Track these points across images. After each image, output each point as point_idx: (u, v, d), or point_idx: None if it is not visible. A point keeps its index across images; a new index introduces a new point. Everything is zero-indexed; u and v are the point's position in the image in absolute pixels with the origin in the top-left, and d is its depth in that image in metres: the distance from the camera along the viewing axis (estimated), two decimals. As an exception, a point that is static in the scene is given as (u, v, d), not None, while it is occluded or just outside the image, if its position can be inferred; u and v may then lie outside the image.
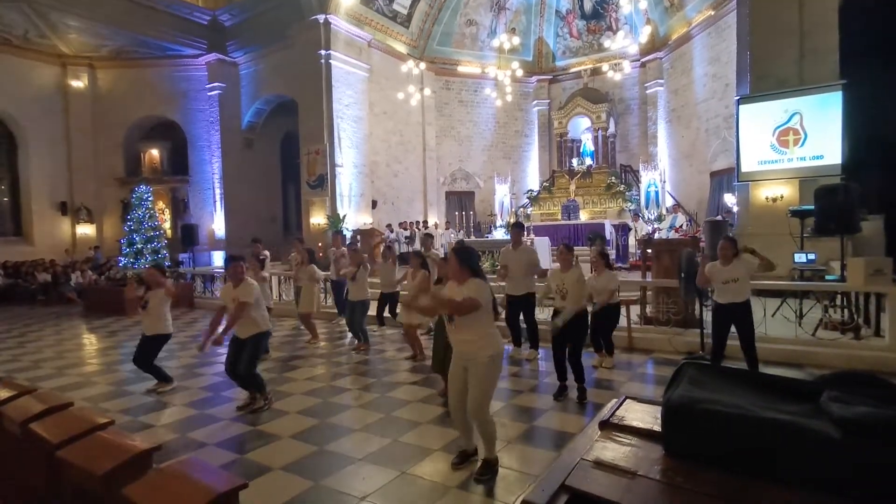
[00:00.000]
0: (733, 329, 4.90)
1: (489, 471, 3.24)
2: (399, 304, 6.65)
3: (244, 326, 4.66)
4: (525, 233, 6.43)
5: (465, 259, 3.28)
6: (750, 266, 4.79)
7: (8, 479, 2.88)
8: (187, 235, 15.70)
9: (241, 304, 4.57)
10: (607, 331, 5.77)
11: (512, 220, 16.76)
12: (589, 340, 5.56)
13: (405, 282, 6.85)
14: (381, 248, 9.01)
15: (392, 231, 15.38)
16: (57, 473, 2.30)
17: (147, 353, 5.35)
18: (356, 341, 7.03)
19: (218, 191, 18.28)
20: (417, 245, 14.64)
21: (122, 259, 14.03)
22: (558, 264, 5.14)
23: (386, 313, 7.92)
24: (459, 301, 3.09)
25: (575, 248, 5.38)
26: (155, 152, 19.14)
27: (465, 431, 3.42)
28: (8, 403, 2.88)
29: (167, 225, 18.45)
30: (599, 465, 1.20)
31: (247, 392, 4.79)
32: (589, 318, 5.10)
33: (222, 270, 9.72)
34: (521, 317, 6.26)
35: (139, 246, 13.57)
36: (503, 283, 6.23)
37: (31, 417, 2.63)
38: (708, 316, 6.02)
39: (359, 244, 12.49)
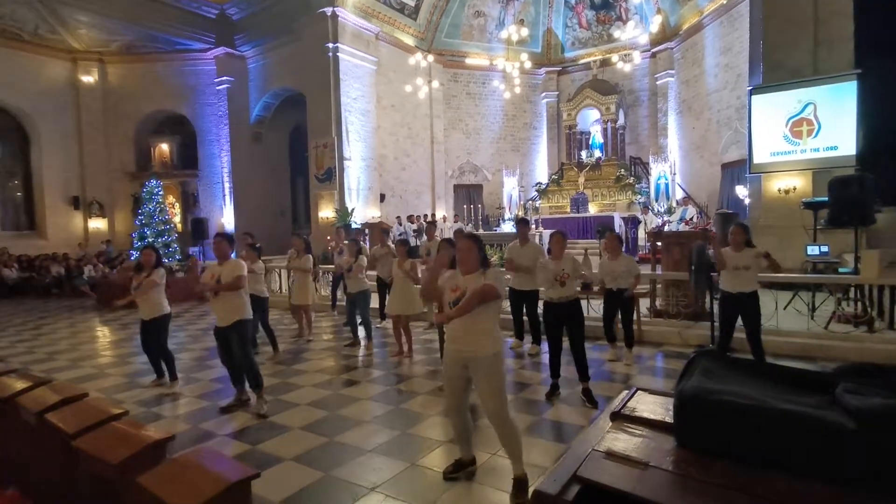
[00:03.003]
0: (740, 321, 4.83)
1: (524, 489, 2.83)
2: (388, 297, 6.49)
3: (225, 313, 4.45)
4: (529, 228, 6.32)
5: (478, 246, 3.02)
6: (757, 258, 4.69)
7: (26, 467, 2.93)
8: (197, 229, 15.83)
9: (238, 278, 4.39)
10: (626, 319, 5.66)
11: (520, 214, 16.74)
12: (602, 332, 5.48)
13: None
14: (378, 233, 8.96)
15: (400, 224, 15.40)
16: (73, 462, 2.34)
17: (155, 338, 5.18)
18: (352, 337, 6.91)
19: (227, 185, 18.39)
20: (425, 238, 14.66)
21: (134, 253, 14.15)
22: (550, 254, 4.92)
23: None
24: (481, 288, 2.82)
25: (584, 240, 5.30)
26: (165, 147, 19.28)
27: (464, 439, 3.15)
28: (24, 394, 2.93)
29: (177, 219, 18.60)
30: (611, 455, 1.20)
31: (235, 390, 4.64)
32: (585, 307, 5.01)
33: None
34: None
35: (150, 240, 13.68)
36: (508, 276, 6.20)
37: (46, 408, 2.68)
38: (718, 309, 5.98)
39: (367, 237, 12.53)
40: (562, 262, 4.63)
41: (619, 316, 5.74)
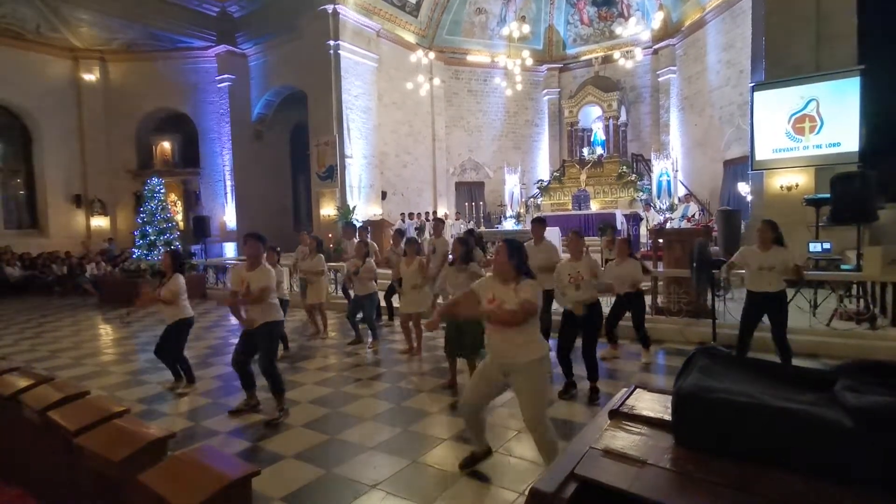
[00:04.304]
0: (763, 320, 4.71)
1: None
2: (400, 294, 6.40)
3: (255, 317, 4.24)
4: (545, 227, 6.11)
5: (516, 254, 2.89)
6: (786, 261, 4.51)
7: (28, 465, 2.95)
8: (199, 227, 15.85)
9: (264, 290, 4.17)
10: (637, 320, 5.59)
11: (522, 211, 16.75)
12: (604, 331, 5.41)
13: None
14: (392, 234, 8.87)
15: (403, 221, 15.39)
16: (75, 460, 2.35)
17: (174, 341, 5.08)
18: (355, 335, 6.86)
19: (229, 183, 18.40)
20: (427, 235, 14.66)
21: (136, 251, 14.20)
22: (568, 254, 4.84)
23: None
24: (518, 308, 2.73)
25: (585, 238, 5.18)
26: (166, 145, 19.29)
27: (477, 431, 3.16)
28: (27, 392, 2.94)
29: (179, 217, 18.61)
30: (609, 453, 1.20)
31: (246, 393, 4.50)
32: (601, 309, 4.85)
33: (233, 262, 9.72)
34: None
35: (152, 238, 13.72)
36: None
37: (49, 406, 2.69)
38: (720, 306, 5.96)
39: (368, 234, 12.52)
40: (579, 263, 4.52)
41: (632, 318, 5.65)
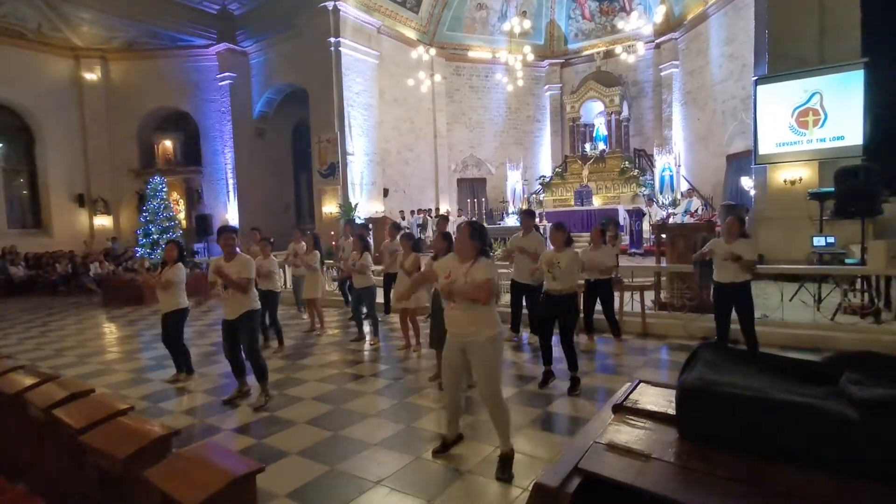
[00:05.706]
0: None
1: (509, 464, 3.08)
2: (393, 289, 6.41)
3: (232, 306, 4.45)
4: (535, 219, 6.23)
5: (478, 235, 3.09)
6: (744, 252, 4.60)
7: (34, 462, 2.96)
8: (202, 225, 15.92)
9: (245, 280, 4.39)
10: (607, 310, 5.63)
11: (524, 207, 16.72)
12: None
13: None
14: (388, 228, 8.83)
15: (403, 218, 15.38)
16: (80, 457, 2.37)
17: (171, 331, 5.21)
18: (357, 332, 6.87)
19: (231, 181, 18.40)
20: (429, 232, 14.65)
21: (139, 249, 14.25)
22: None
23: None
24: (479, 285, 2.94)
25: (587, 233, 5.22)
26: (168, 143, 19.31)
27: (455, 416, 3.38)
28: (32, 390, 2.96)
29: (182, 215, 18.64)
30: (613, 447, 1.20)
31: (237, 383, 4.70)
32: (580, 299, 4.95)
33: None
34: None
35: (155, 236, 13.77)
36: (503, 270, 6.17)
37: (54, 404, 2.70)
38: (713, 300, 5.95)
39: (370, 232, 12.51)
40: (560, 254, 4.57)
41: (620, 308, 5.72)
